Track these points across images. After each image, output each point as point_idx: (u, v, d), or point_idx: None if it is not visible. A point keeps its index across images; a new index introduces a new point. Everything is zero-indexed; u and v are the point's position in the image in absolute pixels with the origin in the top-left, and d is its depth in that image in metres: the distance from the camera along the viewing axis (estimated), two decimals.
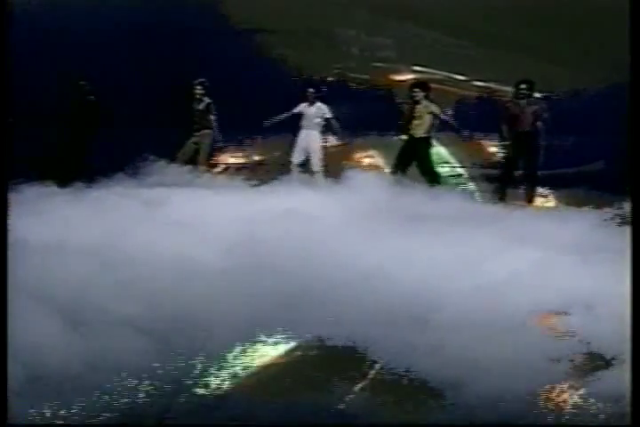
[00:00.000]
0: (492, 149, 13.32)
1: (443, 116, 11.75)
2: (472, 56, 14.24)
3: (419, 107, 11.69)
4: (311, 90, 12.60)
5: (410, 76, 14.33)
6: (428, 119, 11.67)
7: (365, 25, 14.78)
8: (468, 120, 12.65)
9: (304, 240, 7.91)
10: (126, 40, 13.34)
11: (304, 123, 12.52)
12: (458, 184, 12.66)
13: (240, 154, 14.08)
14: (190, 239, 7.99)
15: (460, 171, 13.36)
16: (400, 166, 11.78)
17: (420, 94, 11.71)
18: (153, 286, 7.05)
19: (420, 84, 12.07)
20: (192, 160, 12.33)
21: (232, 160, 13.89)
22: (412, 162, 11.75)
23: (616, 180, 9.22)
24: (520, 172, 11.55)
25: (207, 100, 12.52)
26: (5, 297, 5.94)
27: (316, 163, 12.41)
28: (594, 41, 12.94)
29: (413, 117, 11.68)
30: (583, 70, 13.20)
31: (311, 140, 12.47)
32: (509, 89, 12.59)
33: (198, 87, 12.54)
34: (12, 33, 7.51)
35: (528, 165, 11.52)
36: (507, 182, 11.61)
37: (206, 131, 12.56)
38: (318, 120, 12.46)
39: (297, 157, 12.50)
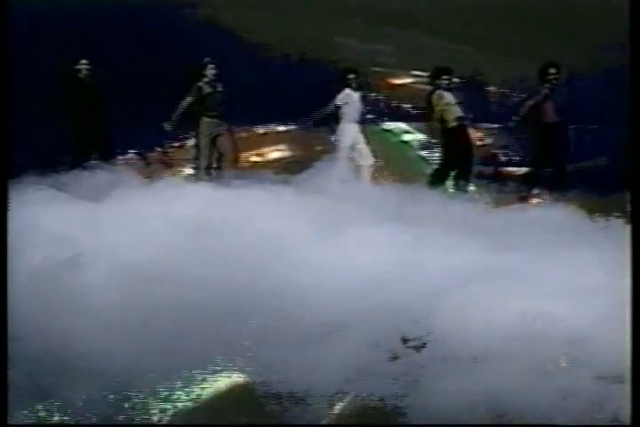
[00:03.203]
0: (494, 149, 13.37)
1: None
2: (471, 60, 14.39)
3: (448, 95, 10.70)
4: (351, 75, 10.96)
5: (408, 80, 14.46)
6: (454, 108, 10.70)
7: (364, 31, 14.89)
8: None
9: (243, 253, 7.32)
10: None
11: (346, 112, 10.96)
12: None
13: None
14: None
15: None
16: (448, 166, 10.84)
17: (449, 81, 10.65)
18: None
19: (448, 70, 10.81)
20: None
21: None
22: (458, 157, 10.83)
23: (616, 177, 9.27)
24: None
25: (219, 84, 10.53)
26: (5, 297, 6.01)
27: (367, 155, 11.03)
28: (592, 40, 13.08)
29: (446, 106, 10.67)
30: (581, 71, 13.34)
31: (358, 136, 11.06)
32: (507, 91, 12.77)
33: (211, 66, 10.43)
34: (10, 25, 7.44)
35: (555, 161, 10.65)
36: (534, 181, 10.74)
37: (224, 122, 10.59)
38: (359, 108, 11.04)
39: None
